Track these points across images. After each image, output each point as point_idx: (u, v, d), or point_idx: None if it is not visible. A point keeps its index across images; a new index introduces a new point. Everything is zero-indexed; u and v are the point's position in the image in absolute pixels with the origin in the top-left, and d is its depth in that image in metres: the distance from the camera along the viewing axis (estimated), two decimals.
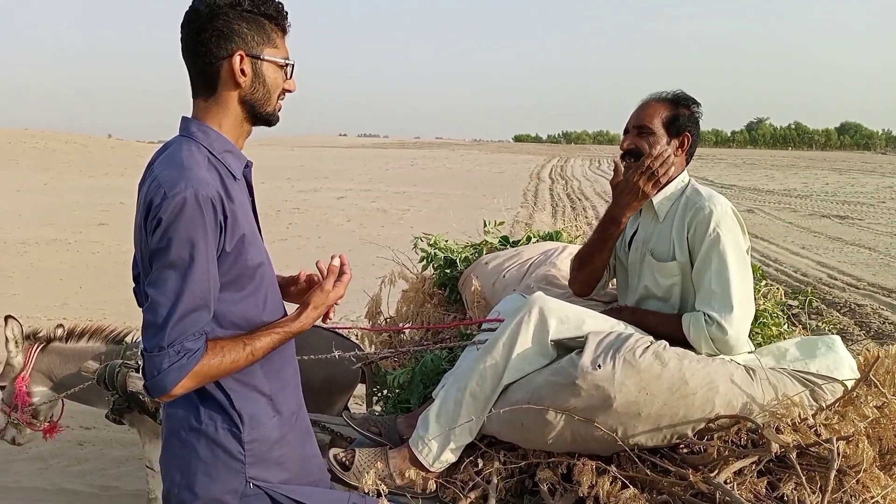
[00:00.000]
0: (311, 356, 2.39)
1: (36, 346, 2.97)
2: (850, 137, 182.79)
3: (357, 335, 3.22)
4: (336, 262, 1.56)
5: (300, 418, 1.63)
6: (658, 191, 2.13)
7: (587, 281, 2.36)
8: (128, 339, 2.99)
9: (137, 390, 2.55)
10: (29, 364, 2.92)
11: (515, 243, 3.10)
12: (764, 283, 2.90)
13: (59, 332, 3.05)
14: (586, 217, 15.84)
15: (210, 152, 1.43)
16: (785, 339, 2.48)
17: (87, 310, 7.26)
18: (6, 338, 2.91)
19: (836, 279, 9.47)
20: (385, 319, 3.29)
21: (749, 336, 2.48)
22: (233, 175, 1.46)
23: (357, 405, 3.75)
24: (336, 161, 42.54)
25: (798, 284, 8.94)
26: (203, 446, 1.44)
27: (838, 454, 1.64)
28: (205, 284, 1.33)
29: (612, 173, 2.20)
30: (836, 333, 2.36)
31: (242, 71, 1.42)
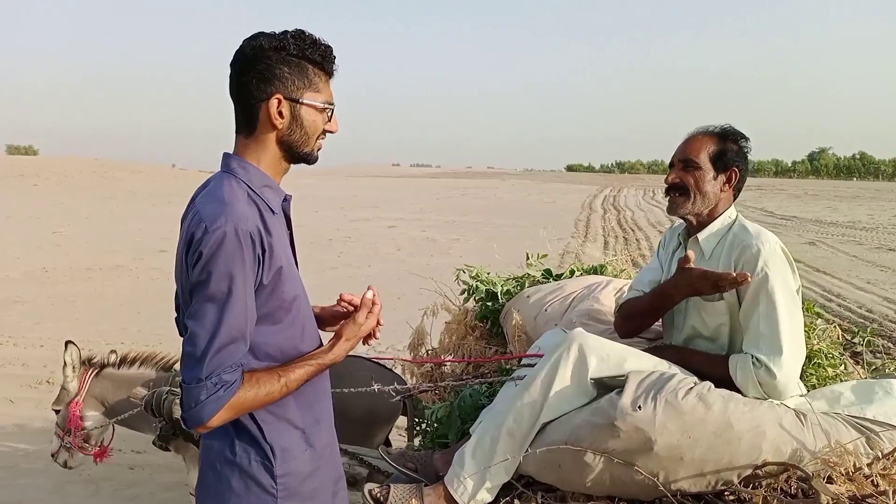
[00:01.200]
0: (352, 388, 2.40)
1: (90, 371, 3.07)
2: None
3: (399, 366, 3.22)
4: (369, 294, 1.57)
5: (333, 452, 1.63)
6: (703, 225, 2.09)
7: (634, 330, 2.30)
8: (177, 366, 3.06)
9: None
10: (83, 389, 3.01)
11: (559, 276, 3.06)
12: (820, 321, 2.78)
13: (113, 358, 3.14)
14: (639, 249, 15.60)
15: (249, 188, 1.47)
16: (842, 380, 2.37)
17: (145, 335, 7.48)
18: (65, 362, 3.01)
19: None
20: (427, 351, 3.28)
21: (803, 377, 2.38)
22: (271, 209, 1.49)
23: (400, 437, 3.74)
24: (388, 190, 43.12)
25: (862, 321, 8.56)
26: (237, 479, 1.45)
27: None
28: (242, 317, 1.35)
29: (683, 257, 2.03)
30: None
31: (280, 113, 1.46)
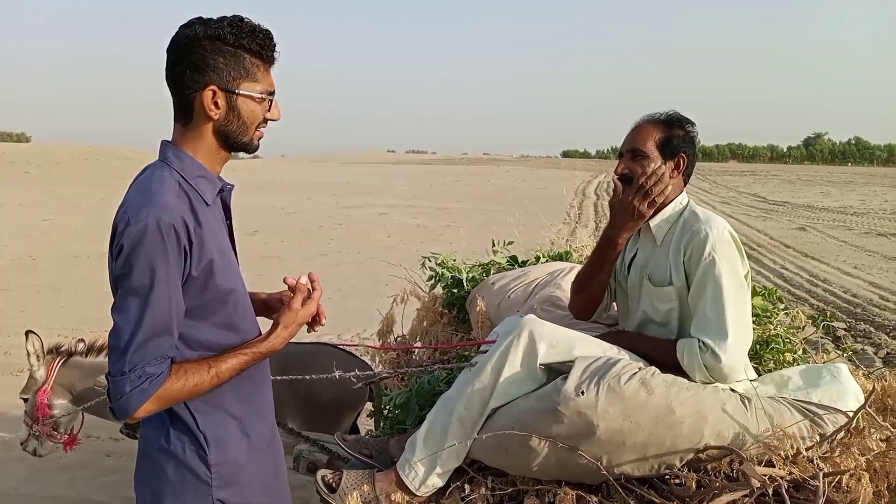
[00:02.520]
0: (314, 375, 2.40)
1: (58, 360, 3.07)
2: None
3: (365, 352, 3.23)
4: (304, 279, 1.56)
5: (272, 444, 1.63)
6: (655, 212, 2.09)
7: (586, 304, 2.31)
8: None
9: None
10: (50, 378, 3.02)
11: (524, 263, 3.07)
12: (782, 306, 2.80)
13: (80, 346, 3.14)
14: None
15: (182, 177, 1.46)
16: (799, 365, 2.39)
17: None
18: (27, 352, 3.01)
19: (887, 300, 9.08)
20: (396, 338, 3.29)
21: (760, 362, 2.40)
22: (204, 201, 1.47)
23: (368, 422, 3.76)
24: (382, 177, 43.01)
25: (846, 306, 8.61)
26: (172, 467, 1.46)
27: (825, 489, 1.56)
28: (166, 311, 1.35)
29: (612, 193, 2.16)
30: (884, 357, 2.26)
31: (216, 104, 1.44)
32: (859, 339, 6.98)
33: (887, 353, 6.35)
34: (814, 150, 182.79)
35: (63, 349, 3.12)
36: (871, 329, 7.39)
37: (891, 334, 7.21)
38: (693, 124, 2.11)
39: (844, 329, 7.43)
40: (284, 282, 1.61)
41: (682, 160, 2.09)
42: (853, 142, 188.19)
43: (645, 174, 2.02)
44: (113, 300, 1.38)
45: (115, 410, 1.36)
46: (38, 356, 3.00)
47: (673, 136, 2.07)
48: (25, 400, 3.10)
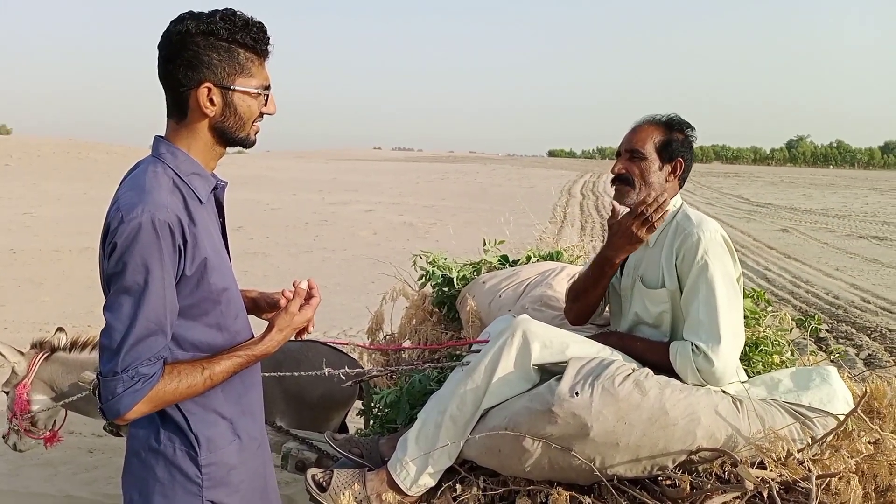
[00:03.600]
0: (302, 372, 2.38)
1: (40, 354, 3.02)
2: (895, 156, 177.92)
3: (354, 350, 3.21)
4: (303, 284, 1.54)
5: (262, 445, 1.61)
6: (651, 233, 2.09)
7: (581, 313, 2.31)
8: None
9: None
10: (31, 372, 2.97)
11: (515, 262, 3.06)
12: (770, 308, 2.81)
13: (63, 341, 3.10)
14: None
15: (176, 174, 1.43)
16: (788, 367, 2.40)
17: None
18: None
19: (868, 302, 9.19)
20: (385, 336, 3.28)
21: (750, 364, 2.41)
22: (198, 198, 1.45)
23: (357, 420, 3.74)
24: (368, 174, 42.86)
25: (828, 307, 8.71)
26: (161, 467, 1.44)
27: (817, 492, 1.57)
28: (160, 310, 1.33)
29: (610, 213, 2.14)
30: (865, 359, 2.27)
31: (211, 101, 1.41)
32: (841, 341, 7.06)
33: (868, 355, 6.42)
34: (796, 153, 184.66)
35: (46, 344, 3.08)
36: (853, 331, 7.48)
37: (872, 336, 7.30)
38: (693, 129, 2.11)
39: (826, 330, 7.52)
40: (294, 285, 1.57)
41: (679, 164, 2.09)
42: (835, 145, 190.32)
43: (646, 201, 1.99)
44: (104, 298, 1.36)
45: (106, 411, 1.33)
46: (10, 351, 2.95)
47: (672, 139, 2.07)
48: (6, 393, 3.05)
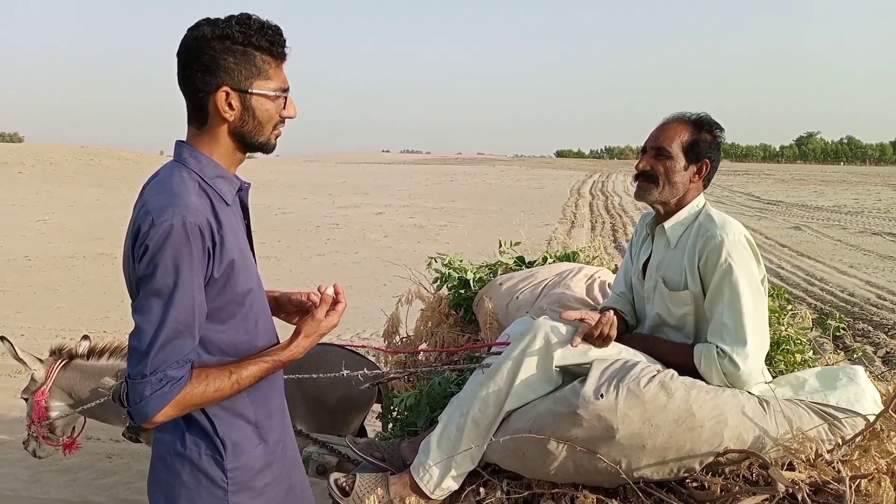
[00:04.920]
0: (321, 374, 2.38)
1: (59, 362, 3.03)
2: None
3: (370, 353, 3.20)
4: (330, 290, 1.54)
5: (286, 447, 1.61)
6: (670, 213, 2.07)
7: None
8: None
9: None
10: (49, 379, 2.98)
11: (531, 263, 3.05)
12: (790, 307, 2.78)
13: (82, 348, 3.11)
14: (626, 234, 15.63)
15: (201, 178, 1.43)
16: (810, 366, 2.37)
17: (127, 323, 7.39)
18: (10, 352, 2.99)
19: (884, 299, 9.10)
20: (401, 339, 3.27)
21: (771, 363, 2.38)
22: (224, 201, 1.45)
23: (375, 423, 3.73)
24: (377, 177, 42.93)
25: (843, 305, 8.63)
26: (187, 472, 1.43)
27: (852, 493, 1.54)
28: (189, 312, 1.32)
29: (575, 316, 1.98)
30: (884, 357, 2.25)
31: (230, 105, 1.41)
32: (858, 339, 6.99)
33: (886, 353, 6.35)
34: (806, 150, 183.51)
35: (65, 351, 3.09)
36: (870, 328, 7.40)
37: (889, 333, 7.22)
38: (722, 129, 2.07)
39: (843, 328, 7.44)
40: (319, 290, 1.57)
41: (705, 165, 2.05)
42: (846, 141, 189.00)
43: (600, 327, 1.93)
44: (132, 302, 1.36)
45: (133, 415, 1.33)
46: (19, 358, 2.97)
47: (700, 139, 2.04)
48: (26, 400, 3.07)
